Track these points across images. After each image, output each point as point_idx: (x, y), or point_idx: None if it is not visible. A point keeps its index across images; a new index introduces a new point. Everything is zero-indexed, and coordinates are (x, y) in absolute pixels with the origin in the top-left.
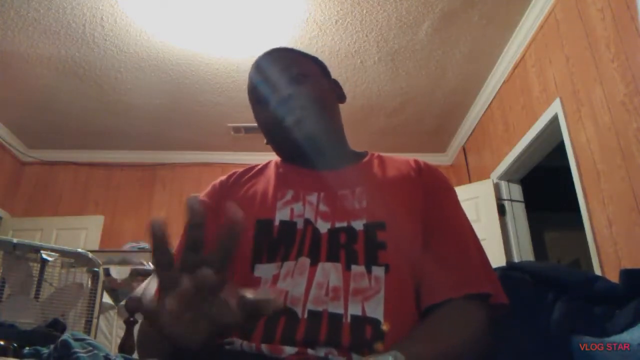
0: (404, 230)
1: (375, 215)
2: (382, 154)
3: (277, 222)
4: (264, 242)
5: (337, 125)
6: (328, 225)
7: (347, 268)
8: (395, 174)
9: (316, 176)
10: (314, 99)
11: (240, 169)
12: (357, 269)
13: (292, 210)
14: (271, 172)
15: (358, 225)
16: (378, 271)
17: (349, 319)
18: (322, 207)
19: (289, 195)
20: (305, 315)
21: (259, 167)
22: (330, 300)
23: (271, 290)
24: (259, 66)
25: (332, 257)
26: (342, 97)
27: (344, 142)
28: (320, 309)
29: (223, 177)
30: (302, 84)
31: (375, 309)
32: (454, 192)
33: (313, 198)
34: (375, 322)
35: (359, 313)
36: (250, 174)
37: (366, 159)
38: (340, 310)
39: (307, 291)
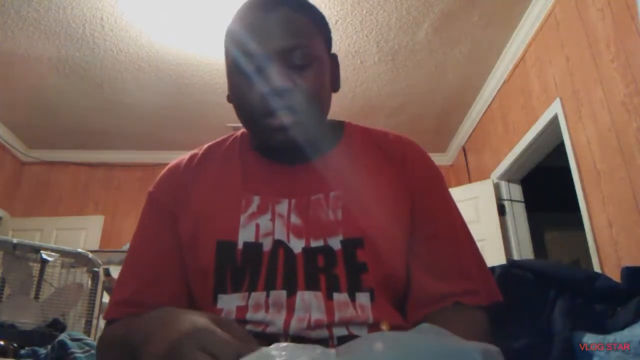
0: (384, 245)
1: (353, 230)
2: (361, 126)
3: (240, 246)
4: (226, 269)
5: (325, 117)
6: (302, 244)
7: (329, 297)
8: (375, 163)
9: (287, 174)
10: (313, 95)
11: (202, 149)
12: (340, 297)
13: (257, 226)
14: (236, 162)
15: (335, 243)
16: (363, 298)
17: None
18: (294, 220)
19: (255, 204)
20: (288, 341)
21: (222, 149)
22: (313, 330)
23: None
24: (254, 28)
25: (311, 285)
26: (337, 84)
27: (325, 124)
28: (303, 335)
29: (182, 162)
30: (303, 72)
31: (361, 332)
32: (443, 179)
33: (283, 208)
34: None
35: (345, 333)
36: (212, 159)
37: (343, 139)
38: (325, 335)
39: (286, 326)
